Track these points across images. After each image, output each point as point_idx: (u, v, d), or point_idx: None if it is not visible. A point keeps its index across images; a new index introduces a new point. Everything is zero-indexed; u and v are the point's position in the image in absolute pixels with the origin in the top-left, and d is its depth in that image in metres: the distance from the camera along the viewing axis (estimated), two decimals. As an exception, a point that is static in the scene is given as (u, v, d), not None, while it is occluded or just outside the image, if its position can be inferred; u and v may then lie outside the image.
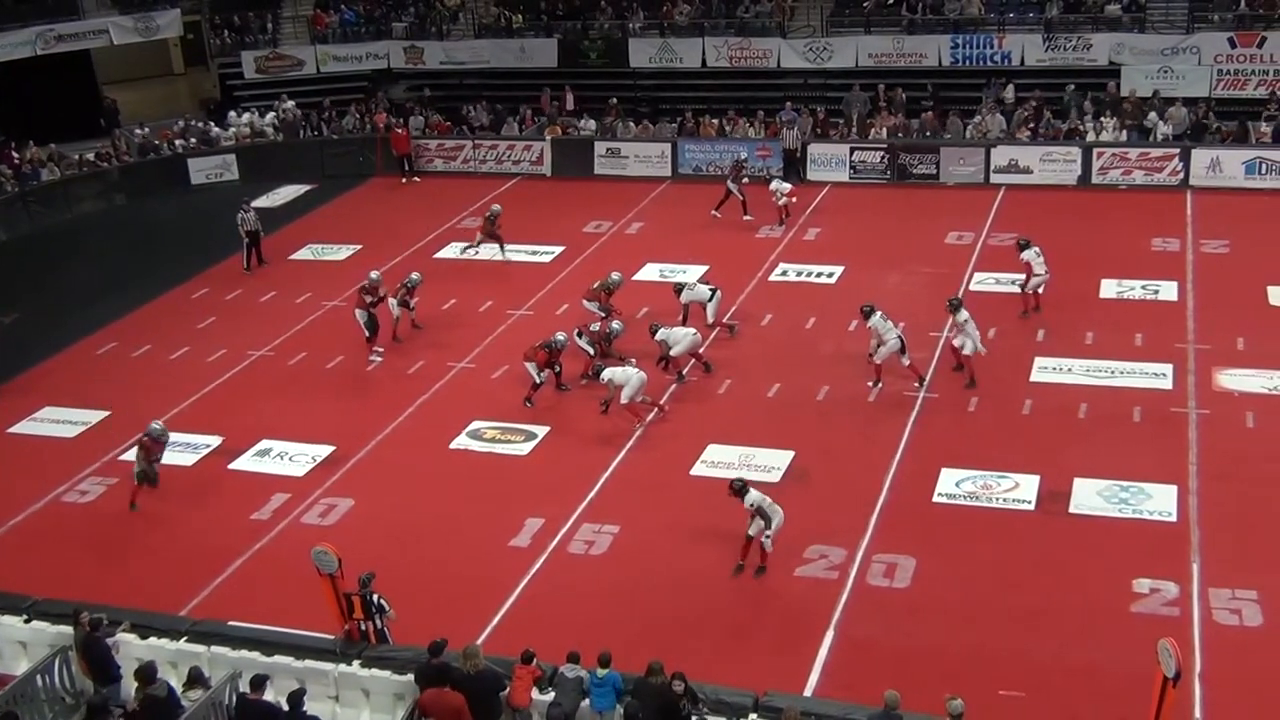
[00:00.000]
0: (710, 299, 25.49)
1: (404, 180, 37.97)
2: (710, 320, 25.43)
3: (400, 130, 38.68)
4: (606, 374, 22.26)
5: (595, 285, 25.93)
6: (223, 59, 44.55)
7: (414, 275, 26.60)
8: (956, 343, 23.20)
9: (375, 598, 15.49)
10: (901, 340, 22.75)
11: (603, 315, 25.21)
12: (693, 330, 24.07)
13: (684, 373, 23.80)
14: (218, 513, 20.55)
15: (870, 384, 23.11)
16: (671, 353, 23.58)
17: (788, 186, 32.17)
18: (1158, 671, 13.32)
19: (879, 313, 23.07)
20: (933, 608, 16.85)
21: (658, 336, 23.69)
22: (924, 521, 18.82)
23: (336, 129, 40.48)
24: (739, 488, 17.85)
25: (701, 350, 24.11)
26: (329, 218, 35.50)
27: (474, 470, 21.49)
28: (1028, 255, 25.64)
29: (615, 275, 26.19)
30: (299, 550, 16.47)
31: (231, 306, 29.16)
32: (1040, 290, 25.79)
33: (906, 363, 22.90)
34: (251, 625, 16.04)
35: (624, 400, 22.06)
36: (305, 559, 15.48)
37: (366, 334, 25.60)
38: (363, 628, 15.49)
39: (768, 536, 17.73)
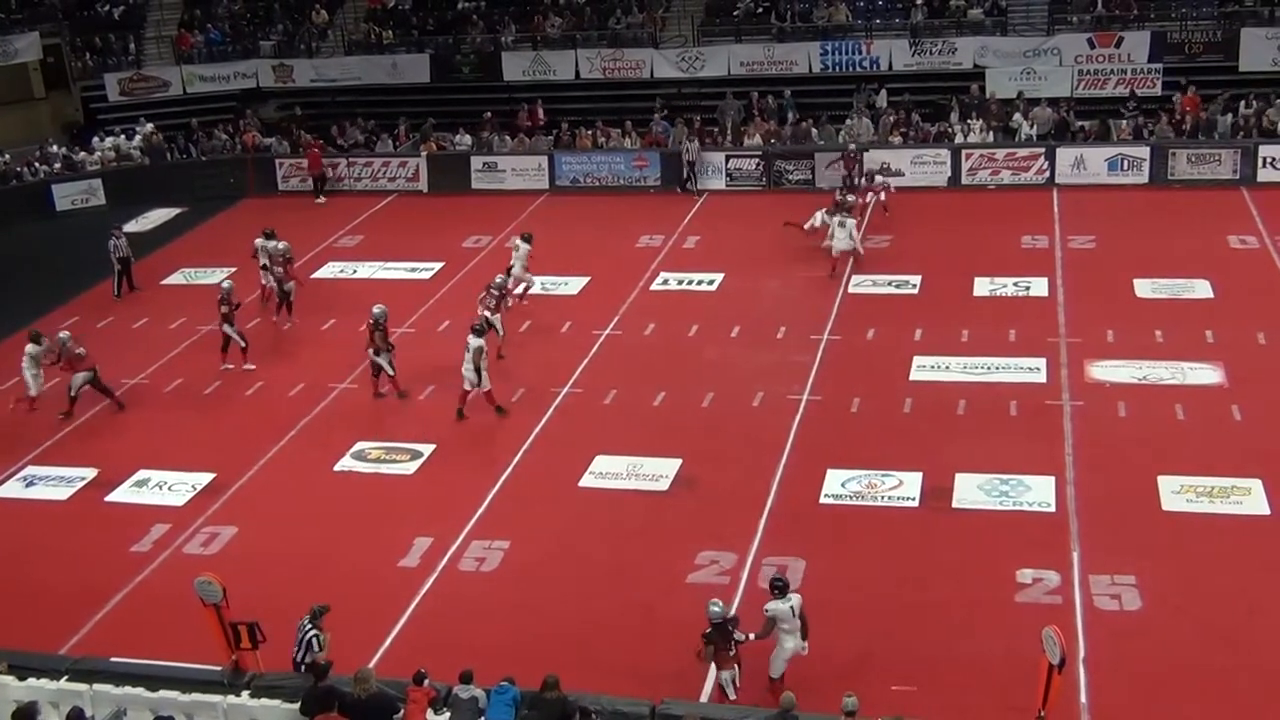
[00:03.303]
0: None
1: (316, 200, 37.22)
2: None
3: (315, 149, 37.97)
4: None
5: (225, 309, 25.63)
6: (85, 82, 43.44)
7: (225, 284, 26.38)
8: None
9: (313, 633, 15.10)
10: None
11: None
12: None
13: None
14: (96, 546, 19.99)
15: None
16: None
17: (890, 183, 32.33)
18: (1043, 659, 13.63)
19: None
20: (824, 608, 16.91)
21: None
22: (812, 523, 19.00)
23: (205, 149, 39.77)
24: (781, 585, 15.51)
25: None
26: (201, 240, 34.86)
27: (360, 492, 21.21)
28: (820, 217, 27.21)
29: (227, 283, 26.34)
30: (182, 581, 16.10)
31: (103, 334, 28.39)
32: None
33: None
34: (135, 660, 15.61)
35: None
36: (188, 590, 15.15)
37: (241, 345, 25.65)
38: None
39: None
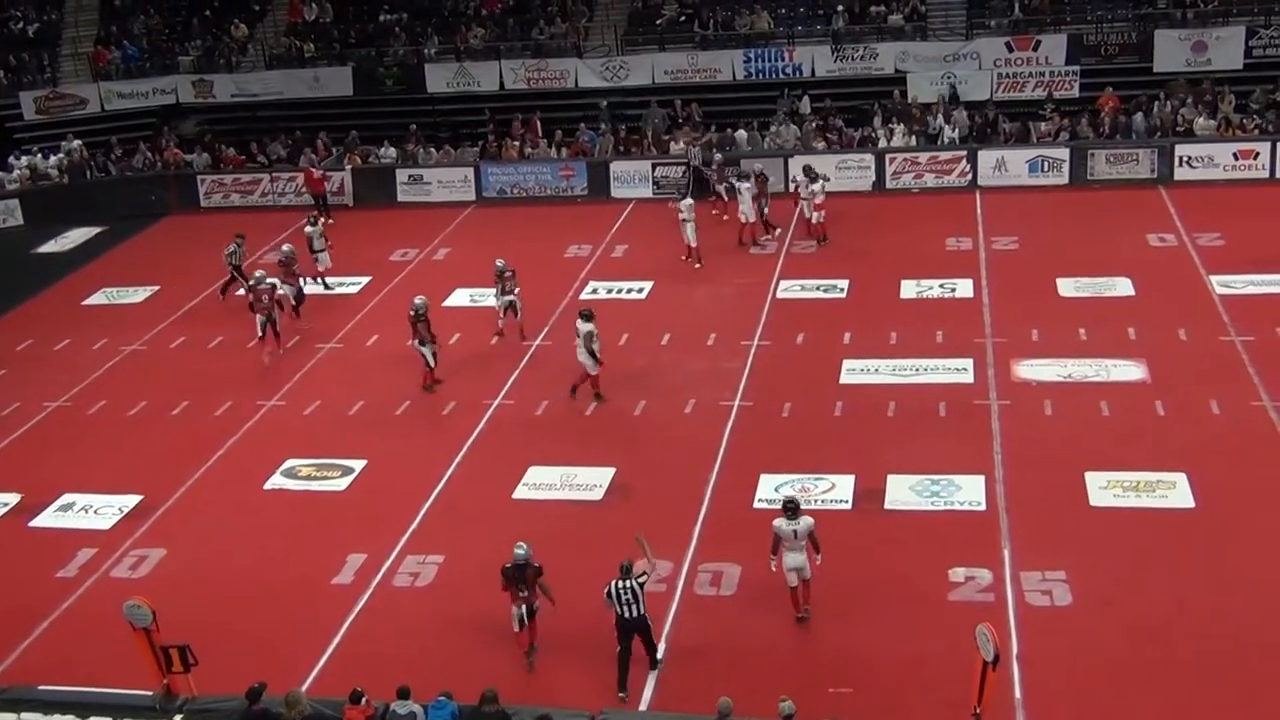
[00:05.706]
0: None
1: (321, 219, 36.50)
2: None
3: (315, 170, 37.13)
4: None
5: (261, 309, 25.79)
6: (-1, 101, 42.82)
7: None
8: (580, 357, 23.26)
9: (632, 584, 15.46)
10: None
11: None
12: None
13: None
14: (20, 573, 19.60)
15: None
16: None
17: (821, 196, 30.62)
18: (977, 657, 13.77)
19: None
20: (760, 613, 17.06)
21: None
22: (746, 528, 19.01)
23: (125, 167, 39.23)
24: (792, 507, 16.56)
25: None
26: (122, 260, 34.36)
27: (291, 510, 20.98)
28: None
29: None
30: (110, 605, 15.88)
31: (23, 357, 27.95)
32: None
33: None
34: (64, 688, 15.35)
35: None
36: (117, 614, 14.93)
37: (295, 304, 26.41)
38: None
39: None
